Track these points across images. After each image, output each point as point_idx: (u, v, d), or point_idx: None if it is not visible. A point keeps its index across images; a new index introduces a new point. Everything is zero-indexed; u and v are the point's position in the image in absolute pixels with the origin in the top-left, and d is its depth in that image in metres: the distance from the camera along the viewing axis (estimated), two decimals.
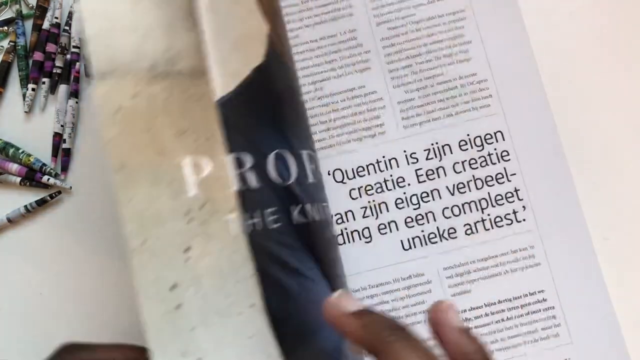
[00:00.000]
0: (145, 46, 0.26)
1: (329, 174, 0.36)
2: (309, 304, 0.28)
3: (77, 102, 0.38)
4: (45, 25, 0.39)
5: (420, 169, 0.36)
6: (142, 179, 0.25)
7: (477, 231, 0.35)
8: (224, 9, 0.29)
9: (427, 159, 0.36)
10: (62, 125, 0.38)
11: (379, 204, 0.36)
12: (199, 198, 0.26)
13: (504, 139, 0.36)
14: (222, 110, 0.27)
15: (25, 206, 0.37)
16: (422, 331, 0.34)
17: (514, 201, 0.36)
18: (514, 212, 0.35)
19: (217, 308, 0.25)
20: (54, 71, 0.39)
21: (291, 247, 0.28)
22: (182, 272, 0.25)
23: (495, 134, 0.36)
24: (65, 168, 0.38)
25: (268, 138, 0.29)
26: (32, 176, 0.37)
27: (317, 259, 0.29)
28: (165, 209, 0.25)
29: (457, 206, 0.36)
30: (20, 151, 0.37)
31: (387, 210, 0.36)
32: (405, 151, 0.36)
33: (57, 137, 0.38)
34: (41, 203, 0.37)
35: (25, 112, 0.38)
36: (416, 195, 0.36)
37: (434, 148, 0.36)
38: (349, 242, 0.35)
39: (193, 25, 0.27)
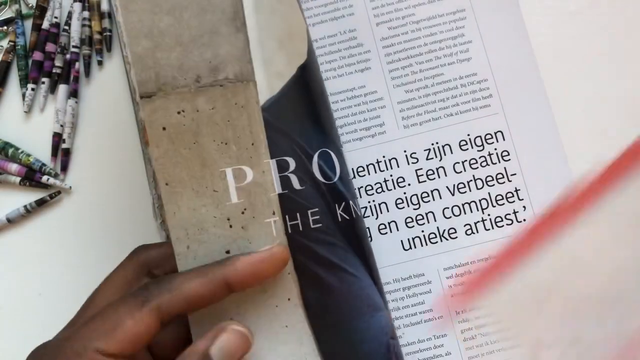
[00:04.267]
0: (190, 58, 0.26)
1: None
2: (349, 297, 0.29)
3: (76, 102, 0.38)
4: (45, 25, 0.39)
5: (421, 169, 0.36)
6: (187, 191, 0.27)
7: (477, 231, 0.35)
8: (268, 7, 0.29)
9: (427, 159, 0.36)
10: (61, 125, 0.38)
11: (379, 204, 0.36)
12: (240, 204, 0.27)
13: (504, 139, 0.36)
14: (266, 115, 0.27)
15: (25, 206, 0.37)
16: (423, 331, 0.34)
17: (514, 201, 0.35)
18: (515, 212, 0.35)
19: (254, 302, 0.27)
20: (54, 71, 0.39)
21: (333, 245, 0.29)
22: None
23: (495, 133, 0.36)
24: (64, 168, 0.38)
25: (312, 137, 0.29)
26: (31, 176, 0.37)
27: (360, 253, 0.30)
28: (208, 217, 0.27)
29: (458, 206, 0.36)
30: (19, 151, 0.37)
31: (387, 210, 0.36)
32: (405, 151, 0.36)
33: (57, 137, 0.38)
34: (41, 203, 0.37)
35: (25, 112, 0.38)
36: (416, 195, 0.36)
37: (434, 148, 0.36)
38: None
39: (238, 28, 0.27)
